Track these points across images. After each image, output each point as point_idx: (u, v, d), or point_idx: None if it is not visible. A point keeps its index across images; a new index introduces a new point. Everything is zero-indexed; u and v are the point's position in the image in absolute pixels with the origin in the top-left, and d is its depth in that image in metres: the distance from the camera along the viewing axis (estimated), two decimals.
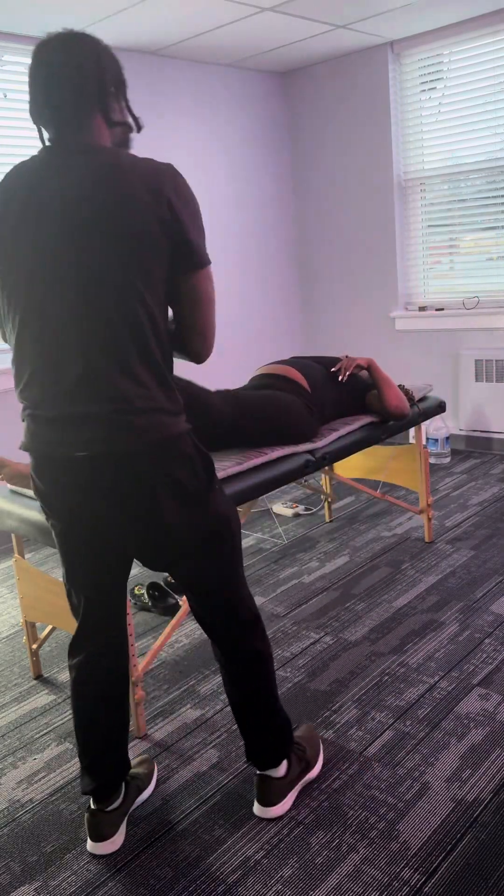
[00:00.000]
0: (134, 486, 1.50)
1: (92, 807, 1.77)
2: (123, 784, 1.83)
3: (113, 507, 1.53)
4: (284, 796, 1.83)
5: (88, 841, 1.77)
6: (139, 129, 1.57)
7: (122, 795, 1.80)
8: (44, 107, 1.47)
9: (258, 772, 1.84)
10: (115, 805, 1.78)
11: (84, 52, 1.45)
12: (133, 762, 2.00)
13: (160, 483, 1.51)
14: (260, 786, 1.83)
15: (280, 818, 1.82)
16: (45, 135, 1.59)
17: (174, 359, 1.71)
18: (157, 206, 1.42)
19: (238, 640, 1.74)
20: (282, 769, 1.83)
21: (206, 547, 1.63)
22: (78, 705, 1.75)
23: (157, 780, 2.00)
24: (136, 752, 2.12)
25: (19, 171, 1.47)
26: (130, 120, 1.57)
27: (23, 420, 1.55)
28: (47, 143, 1.52)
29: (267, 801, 1.82)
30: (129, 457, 1.47)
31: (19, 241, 1.44)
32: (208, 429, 2.35)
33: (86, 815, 1.78)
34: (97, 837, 1.75)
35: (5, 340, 1.56)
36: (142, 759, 2.00)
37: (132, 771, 1.94)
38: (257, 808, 1.83)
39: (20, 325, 1.48)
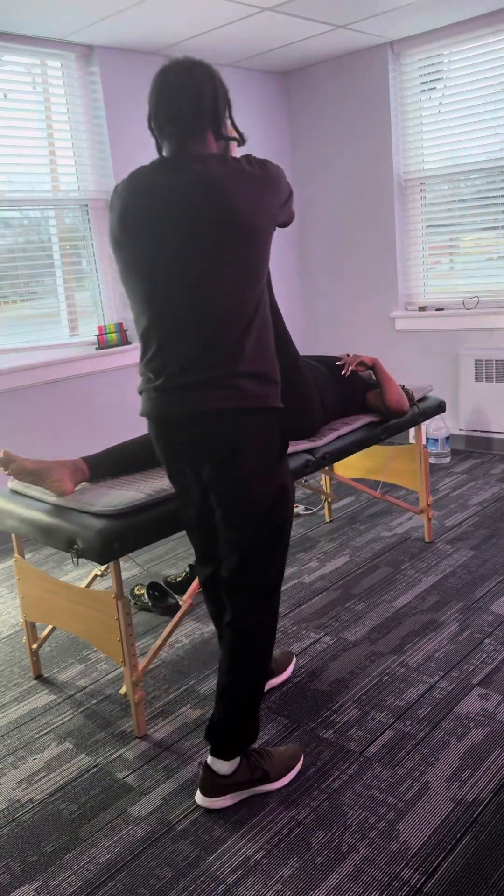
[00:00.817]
0: (222, 441, 1.72)
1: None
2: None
3: (206, 458, 1.76)
4: (223, 794, 1.87)
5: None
6: (243, 142, 1.82)
7: None
8: (166, 120, 1.69)
9: (208, 757, 1.90)
10: None
11: (203, 77, 1.69)
12: (275, 651, 2.29)
13: (244, 443, 1.72)
14: (203, 774, 1.89)
15: (280, 818, 1.82)
16: (163, 148, 1.79)
17: None
18: (259, 214, 1.66)
19: (245, 611, 1.83)
20: (227, 766, 1.86)
21: (264, 512, 1.79)
22: (208, 607, 2.08)
23: (157, 780, 2.00)
24: (135, 751, 2.12)
25: (138, 176, 1.71)
26: (236, 134, 1.81)
27: (140, 392, 1.81)
28: (164, 154, 1.74)
29: (204, 792, 1.88)
30: (221, 414, 1.70)
31: (138, 241, 1.69)
32: None
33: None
34: None
35: (135, 323, 1.81)
36: (283, 650, 2.36)
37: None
38: (197, 795, 1.91)
39: (146, 313, 1.73)
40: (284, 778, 1.93)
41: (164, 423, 1.78)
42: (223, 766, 1.86)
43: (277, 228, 1.82)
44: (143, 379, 1.79)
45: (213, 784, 1.86)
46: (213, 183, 1.63)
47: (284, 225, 1.85)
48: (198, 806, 1.89)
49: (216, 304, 1.65)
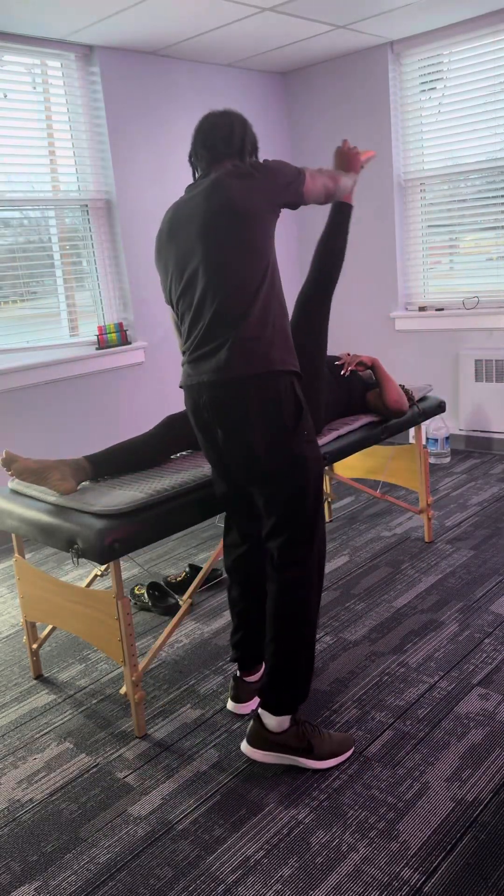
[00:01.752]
0: (233, 408, 1.89)
1: (237, 674, 2.27)
2: (265, 665, 2.19)
3: (218, 424, 1.93)
4: (267, 750, 1.98)
5: (229, 701, 2.26)
6: None
7: (259, 675, 2.27)
8: (201, 148, 2.03)
9: (259, 707, 2.00)
10: (253, 680, 2.26)
11: (236, 121, 2.04)
12: None
13: (253, 410, 1.87)
14: (252, 724, 2.00)
15: (280, 818, 1.82)
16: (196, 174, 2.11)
17: None
18: (253, 201, 1.88)
19: (282, 569, 1.95)
20: (276, 722, 1.96)
21: (281, 478, 1.92)
22: (231, 594, 2.24)
23: (157, 780, 2.00)
24: (135, 752, 2.12)
25: (175, 203, 2.04)
26: None
27: (182, 365, 2.04)
28: (197, 178, 2.07)
29: (251, 741, 1.99)
30: (232, 383, 1.87)
31: (168, 250, 2.00)
32: None
33: (231, 680, 2.29)
34: (235, 699, 2.26)
35: (176, 318, 2.08)
36: None
37: None
38: (243, 744, 2.02)
39: (179, 301, 2.00)
40: (328, 761, 1.97)
41: (188, 392, 1.99)
42: (271, 721, 1.96)
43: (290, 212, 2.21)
44: (183, 357, 2.04)
45: (259, 736, 1.97)
46: (215, 184, 1.91)
47: (294, 205, 2.02)
48: (198, 806, 1.89)
49: (225, 279, 1.87)
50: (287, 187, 1.98)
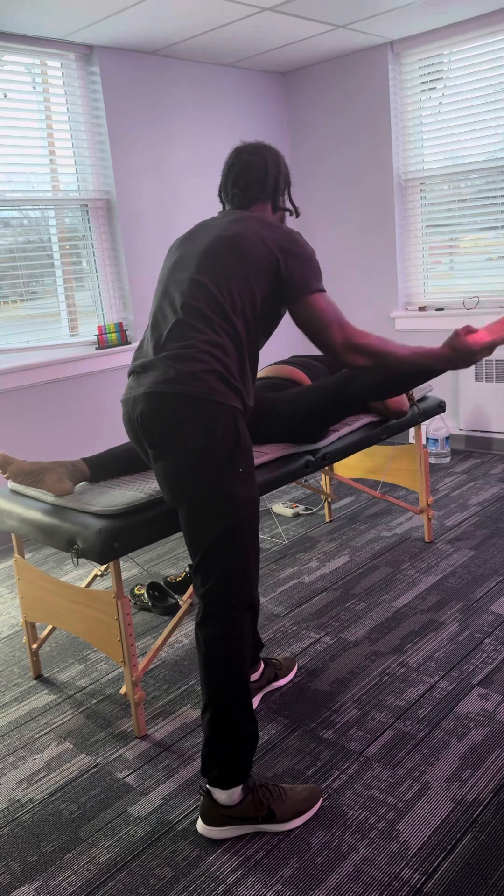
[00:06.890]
0: (159, 422, 1.74)
1: None
2: (262, 665, 2.29)
3: (147, 440, 1.79)
4: (224, 826, 1.77)
5: None
6: (298, 215, 2.10)
7: (259, 674, 2.27)
8: (233, 188, 2.01)
9: (206, 785, 1.82)
10: (254, 679, 2.25)
11: (270, 158, 2.00)
12: (280, 656, 2.45)
13: (181, 430, 1.72)
14: (202, 800, 1.79)
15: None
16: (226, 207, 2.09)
17: None
18: (258, 245, 1.84)
19: (207, 625, 1.76)
20: (226, 796, 1.76)
21: (205, 512, 1.73)
22: None
23: (157, 780, 2.00)
24: (135, 751, 2.12)
25: (202, 221, 1.98)
26: (291, 207, 2.14)
27: (129, 376, 1.95)
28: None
29: (204, 819, 1.79)
30: (167, 398, 1.73)
31: (170, 258, 1.95)
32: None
33: None
34: None
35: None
36: (287, 656, 2.44)
37: (273, 658, 2.40)
38: (198, 821, 1.81)
39: (152, 311, 1.92)
40: (294, 821, 1.79)
41: (124, 406, 1.86)
42: (221, 795, 1.76)
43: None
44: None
45: (211, 813, 1.77)
46: (236, 219, 1.90)
47: (290, 296, 1.85)
48: (198, 806, 1.89)
49: (201, 300, 1.79)
50: (297, 267, 1.85)
